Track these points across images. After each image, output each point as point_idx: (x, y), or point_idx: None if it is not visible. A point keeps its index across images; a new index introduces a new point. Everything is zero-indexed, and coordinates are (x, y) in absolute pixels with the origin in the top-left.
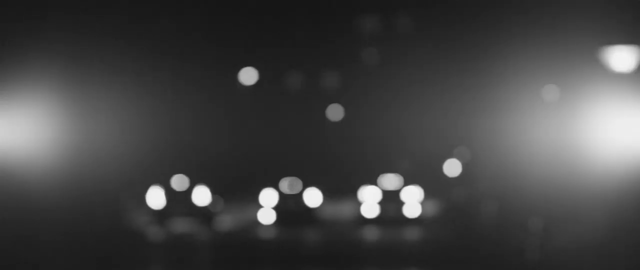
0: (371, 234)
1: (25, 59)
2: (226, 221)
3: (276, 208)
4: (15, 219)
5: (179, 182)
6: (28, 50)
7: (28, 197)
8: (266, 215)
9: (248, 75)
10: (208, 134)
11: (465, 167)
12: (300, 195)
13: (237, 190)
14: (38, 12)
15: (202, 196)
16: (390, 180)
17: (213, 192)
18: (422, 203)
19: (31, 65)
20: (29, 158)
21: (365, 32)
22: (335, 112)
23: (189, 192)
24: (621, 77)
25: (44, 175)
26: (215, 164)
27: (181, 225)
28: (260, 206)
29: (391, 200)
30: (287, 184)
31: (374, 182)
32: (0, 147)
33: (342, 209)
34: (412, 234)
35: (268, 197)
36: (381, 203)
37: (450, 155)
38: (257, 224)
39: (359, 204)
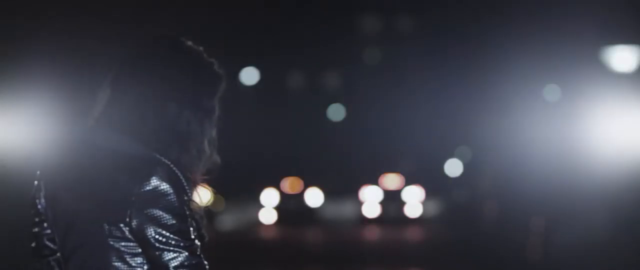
0: (372, 234)
1: (26, 58)
2: (227, 221)
3: (277, 208)
4: (16, 219)
5: None
6: (28, 50)
7: (28, 197)
8: (267, 215)
9: (249, 75)
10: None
11: (466, 166)
12: (301, 195)
13: (239, 190)
14: (38, 11)
15: (203, 196)
16: (392, 180)
17: (214, 191)
18: (423, 203)
19: (32, 65)
20: (29, 158)
21: (366, 32)
22: (336, 112)
23: None
24: (622, 77)
25: None
26: (216, 163)
27: None
28: (261, 206)
29: (392, 200)
30: (288, 184)
31: (375, 181)
32: (1, 147)
33: (343, 209)
34: (413, 234)
35: (269, 197)
36: (382, 203)
37: (451, 155)
38: (259, 223)
39: (360, 203)
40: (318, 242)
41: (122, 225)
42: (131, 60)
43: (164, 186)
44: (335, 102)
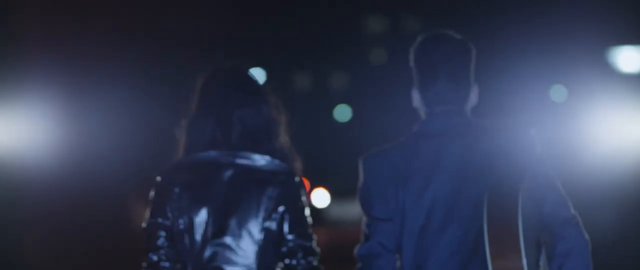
0: None
1: (30, 58)
2: None
3: None
4: (21, 219)
5: None
6: (32, 50)
7: (35, 198)
8: None
9: (256, 76)
10: None
11: None
12: (307, 195)
13: None
14: (40, 11)
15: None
16: None
17: None
18: None
19: (37, 64)
20: (35, 159)
21: (372, 33)
22: (342, 113)
23: None
24: (629, 78)
25: (51, 176)
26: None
27: None
28: None
29: None
30: None
31: None
32: (3, 147)
33: (349, 209)
34: None
35: None
36: None
37: None
38: None
39: None
40: (324, 243)
41: (277, 224)
42: (221, 87)
43: (299, 189)
44: (341, 102)
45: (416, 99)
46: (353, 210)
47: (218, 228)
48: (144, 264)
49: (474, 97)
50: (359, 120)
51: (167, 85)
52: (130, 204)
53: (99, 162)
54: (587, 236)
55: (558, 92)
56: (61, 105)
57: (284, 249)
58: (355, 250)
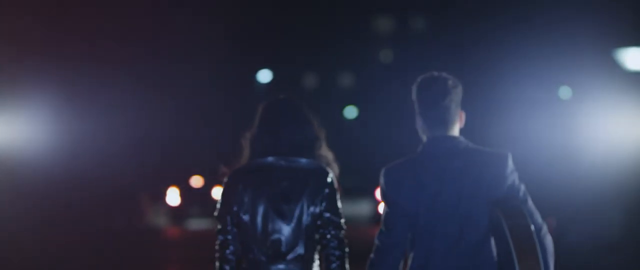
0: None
1: (41, 57)
2: None
3: None
4: (32, 218)
5: (196, 181)
6: (41, 48)
7: (46, 198)
8: None
9: (265, 76)
10: (225, 134)
11: None
12: None
13: None
14: (43, 10)
15: (219, 195)
16: None
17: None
18: None
19: (46, 63)
20: (47, 158)
21: (380, 33)
22: (350, 112)
23: (206, 191)
24: (635, 78)
25: (64, 175)
26: (230, 163)
27: (198, 224)
28: None
29: None
30: None
31: None
32: (17, 147)
33: (358, 208)
34: None
35: None
36: None
37: None
38: None
39: (375, 203)
40: None
41: (317, 207)
42: (279, 109)
43: (334, 185)
44: (349, 102)
45: (419, 124)
46: (361, 208)
47: (274, 215)
48: (216, 244)
49: (462, 121)
50: (366, 119)
51: (172, 86)
52: (130, 201)
53: (114, 161)
54: (551, 239)
55: (564, 93)
56: (60, 106)
57: (319, 222)
58: (376, 236)
